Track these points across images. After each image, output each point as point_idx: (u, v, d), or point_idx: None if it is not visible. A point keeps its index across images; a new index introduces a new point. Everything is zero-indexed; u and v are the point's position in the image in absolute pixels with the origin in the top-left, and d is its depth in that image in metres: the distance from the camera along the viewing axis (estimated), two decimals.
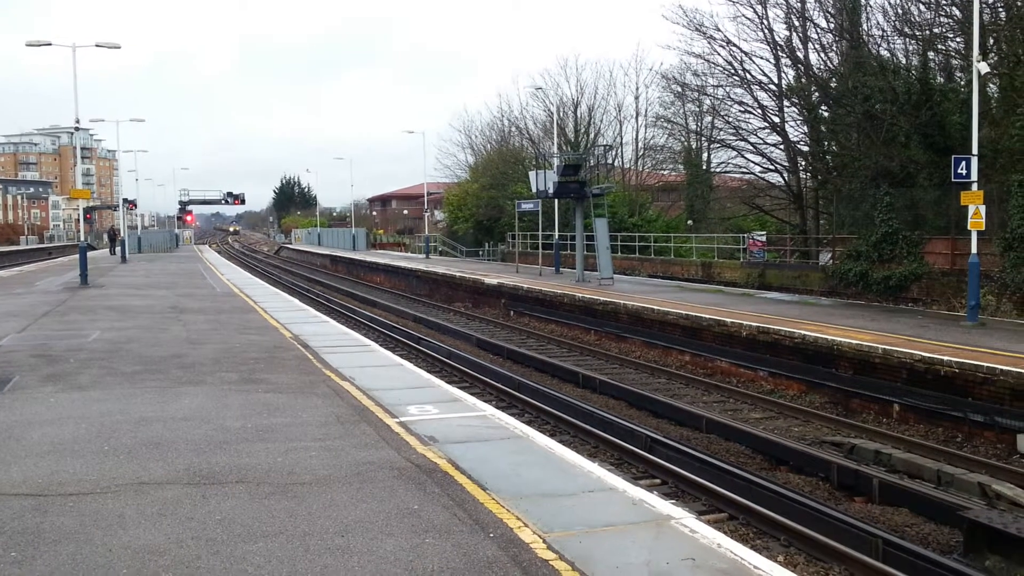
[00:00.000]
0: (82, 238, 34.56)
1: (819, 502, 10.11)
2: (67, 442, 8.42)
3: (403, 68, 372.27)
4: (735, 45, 35.33)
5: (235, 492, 6.88)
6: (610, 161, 45.11)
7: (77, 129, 33.51)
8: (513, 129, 63.52)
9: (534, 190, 33.05)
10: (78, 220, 57.51)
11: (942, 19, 27.46)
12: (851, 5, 30.53)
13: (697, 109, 46.43)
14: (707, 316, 20.10)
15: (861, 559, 8.33)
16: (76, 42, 31.15)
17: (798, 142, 35.98)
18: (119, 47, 31.55)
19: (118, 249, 53.44)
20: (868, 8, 30.89)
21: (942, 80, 27.29)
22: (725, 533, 6.81)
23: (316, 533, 5.96)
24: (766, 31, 34.31)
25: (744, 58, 35.34)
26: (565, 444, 10.17)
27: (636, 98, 57.54)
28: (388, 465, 7.65)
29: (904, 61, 29.13)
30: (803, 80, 33.96)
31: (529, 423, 12.45)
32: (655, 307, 22.11)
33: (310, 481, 7.18)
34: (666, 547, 5.89)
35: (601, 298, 24.73)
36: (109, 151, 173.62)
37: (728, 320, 19.30)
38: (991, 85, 25.06)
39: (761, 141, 37.51)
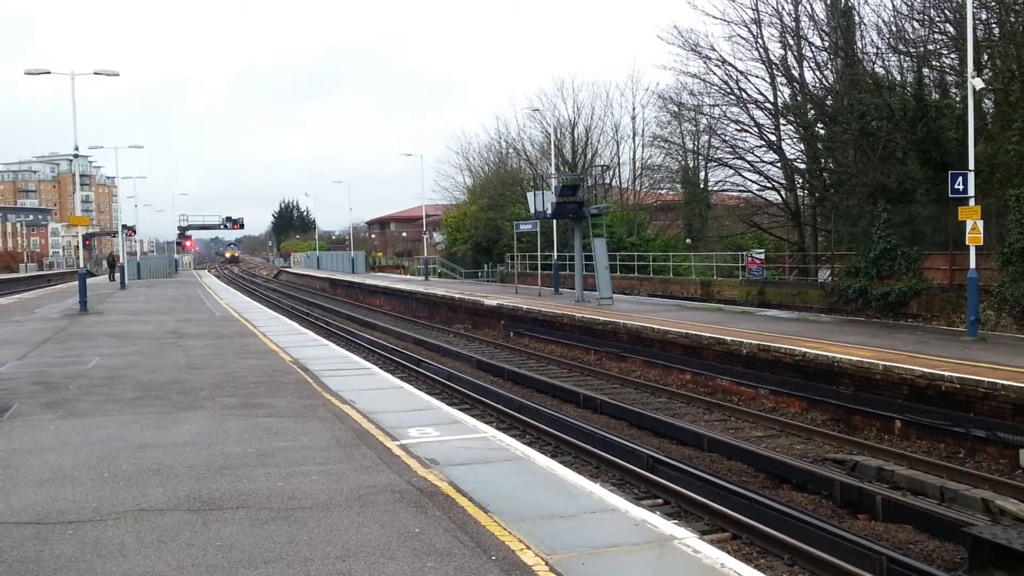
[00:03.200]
0: (81, 264, 34.58)
1: (822, 520, 10.05)
2: (67, 469, 8.40)
3: (398, 91, 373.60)
4: (731, 64, 35.59)
5: (236, 518, 6.86)
6: (608, 181, 45.42)
7: (76, 156, 33.61)
8: (511, 150, 63.87)
9: (532, 211, 33.12)
10: (77, 247, 57.56)
11: (936, 36, 27.65)
12: (845, 23, 30.78)
13: (694, 128, 46.67)
14: (707, 334, 20.08)
15: None
16: (75, 70, 31.21)
17: (795, 160, 36.16)
18: (117, 74, 31.72)
19: (117, 275, 53.46)
20: (862, 26, 31.21)
21: (937, 96, 27.43)
22: (728, 553, 6.77)
23: (317, 558, 5.93)
24: (761, 50, 34.58)
25: (740, 77, 35.61)
26: (567, 465, 10.13)
27: (633, 118, 57.88)
28: (389, 488, 7.62)
29: (899, 78, 29.31)
30: (799, 98, 34.15)
31: (530, 444, 12.42)
32: (655, 326, 22.09)
33: (311, 506, 7.15)
34: (669, 568, 5.87)
35: (601, 318, 24.72)
36: (108, 178, 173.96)
37: (728, 338, 19.29)
38: (986, 101, 25.21)
39: (758, 159, 37.71)
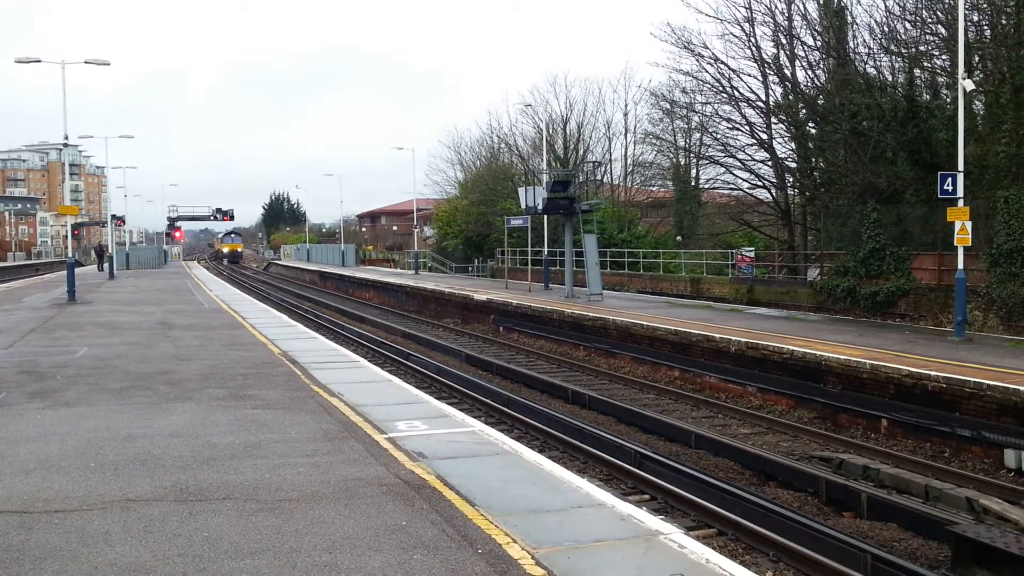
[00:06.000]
0: (70, 254, 34.41)
1: (808, 517, 10.11)
2: (53, 459, 8.37)
3: (390, 87, 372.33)
4: (723, 62, 35.60)
5: (222, 509, 6.85)
6: (599, 177, 45.28)
7: (66, 145, 33.42)
8: (502, 146, 63.77)
9: (523, 206, 33.10)
10: (66, 236, 57.31)
11: (928, 37, 27.75)
12: (838, 23, 30.82)
13: (686, 126, 46.77)
14: (696, 332, 20.13)
15: (850, 574, 8.34)
16: (65, 59, 31.05)
17: (786, 158, 36.23)
18: (108, 64, 31.50)
19: (106, 265, 53.26)
20: (854, 26, 31.24)
21: (928, 97, 27.52)
22: (714, 548, 6.80)
23: (303, 550, 5.94)
24: (753, 49, 34.60)
25: (732, 75, 35.62)
26: (554, 460, 10.15)
27: (625, 115, 57.94)
28: (376, 481, 7.63)
29: (890, 78, 29.38)
30: (790, 97, 34.20)
31: (518, 439, 12.43)
32: (644, 323, 22.13)
33: (298, 498, 7.15)
34: (655, 563, 5.89)
35: (590, 314, 24.75)
36: (98, 167, 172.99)
37: (717, 336, 19.34)
38: (976, 102, 25.30)
39: (749, 158, 37.75)
